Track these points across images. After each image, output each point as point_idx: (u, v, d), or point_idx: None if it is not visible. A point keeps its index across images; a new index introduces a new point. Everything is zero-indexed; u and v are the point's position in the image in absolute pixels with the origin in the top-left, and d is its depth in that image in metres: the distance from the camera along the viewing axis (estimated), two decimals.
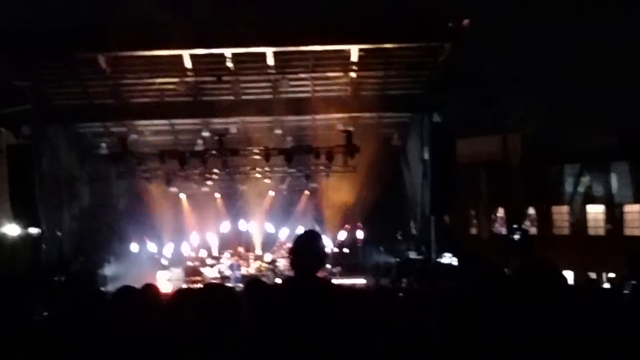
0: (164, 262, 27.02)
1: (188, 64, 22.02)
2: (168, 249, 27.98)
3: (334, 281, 17.26)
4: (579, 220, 28.83)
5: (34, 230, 23.06)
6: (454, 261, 23.99)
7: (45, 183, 23.69)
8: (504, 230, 30.41)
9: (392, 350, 4.84)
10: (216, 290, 5.20)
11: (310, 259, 4.86)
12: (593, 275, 24.24)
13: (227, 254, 27.21)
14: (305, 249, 4.89)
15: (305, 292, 4.65)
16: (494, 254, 23.04)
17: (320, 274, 5.05)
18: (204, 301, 5.01)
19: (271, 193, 29.13)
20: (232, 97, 24.01)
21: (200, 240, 28.63)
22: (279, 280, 22.37)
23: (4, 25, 20.08)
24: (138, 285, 6.04)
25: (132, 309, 5.39)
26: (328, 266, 24.31)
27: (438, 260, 24.25)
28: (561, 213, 29.62)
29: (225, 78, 22.72)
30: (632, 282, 6.83)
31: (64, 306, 6.65)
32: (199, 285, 20.28)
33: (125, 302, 5.51)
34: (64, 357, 4.55)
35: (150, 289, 6.04)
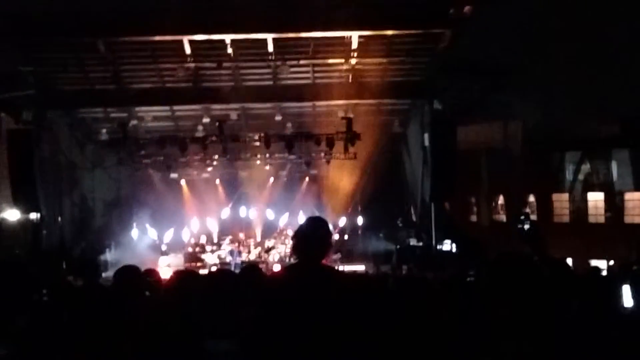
0: (164, 248, 27.06)
1: (188, 49, 21.98)
2: (168, 235, 28.01)
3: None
4: (580, 207, 28.81)
5: (34, 216, 23.11)
6: (454, 248, 24.02)
7: (46, 168, 23.70)
8: (504, 218, 30.43)
9: (400, 340, 4.75)
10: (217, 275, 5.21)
11: (316, 245, 4.69)
12: (594, 263, 24.23)
13: (227, 240, 27.25)
14: (311, 235, 4.72)
15: (310, 279, 4.55)
16: (495, 241, 23.06)
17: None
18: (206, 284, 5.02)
19: (271, 180, 29.13)
20: (232, 83, 23.96)
21: (200, 226, 28.64)
22: (278, 267, 22.39)
23: (6, 12, 20.02)
24: None
25: (134, 287, 5.39)
26: None
27: (438, 247, 24.28)
28: (561, 200, 29.58)
29: (225, 64, 22.68)
30: (634, 267, 6.63)
31: (66, 290, 6.68)
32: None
33: (127, 281, 5.51)
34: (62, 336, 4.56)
35: (150, 274, 6.07)
